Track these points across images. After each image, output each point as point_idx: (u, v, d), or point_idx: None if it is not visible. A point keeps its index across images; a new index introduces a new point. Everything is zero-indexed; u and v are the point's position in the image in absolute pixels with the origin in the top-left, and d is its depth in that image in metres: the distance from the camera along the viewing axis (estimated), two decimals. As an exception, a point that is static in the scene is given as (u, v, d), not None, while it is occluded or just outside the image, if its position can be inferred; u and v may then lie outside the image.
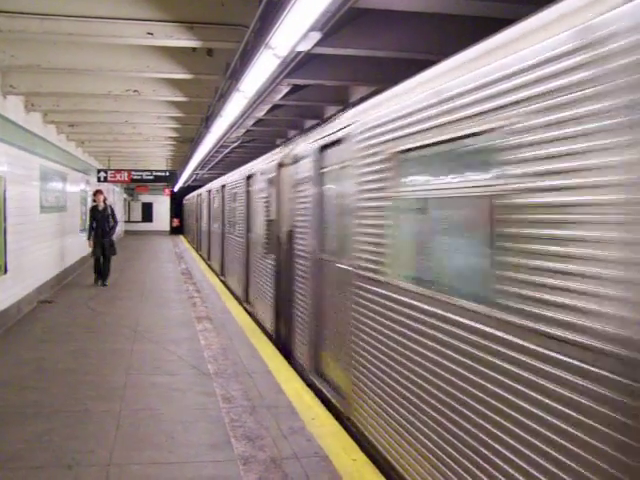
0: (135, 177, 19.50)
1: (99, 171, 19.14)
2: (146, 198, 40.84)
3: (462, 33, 5.46)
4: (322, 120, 10.58)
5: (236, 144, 15.09)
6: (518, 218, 2.62)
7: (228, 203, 13.47)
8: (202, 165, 20.71)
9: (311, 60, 6.98)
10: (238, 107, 7.98)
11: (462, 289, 3.21)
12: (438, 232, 3.65)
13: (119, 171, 19.34)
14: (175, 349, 7.44)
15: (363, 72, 7.48)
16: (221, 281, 14.27)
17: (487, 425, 2.80)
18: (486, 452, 2.81)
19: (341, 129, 5.10)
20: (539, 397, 2.44)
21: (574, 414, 2.25)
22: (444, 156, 3.42)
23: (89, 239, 13.30)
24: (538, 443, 2.44)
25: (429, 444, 3.38)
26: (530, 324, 2.51)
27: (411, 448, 3.61)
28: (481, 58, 3.00)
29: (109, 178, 19.08)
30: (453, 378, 3.13)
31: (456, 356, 3.10)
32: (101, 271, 13.24)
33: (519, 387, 2.57)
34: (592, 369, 2.17)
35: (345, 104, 9.33)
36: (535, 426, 2.46)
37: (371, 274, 4.28)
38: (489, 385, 2.80)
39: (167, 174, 20.76)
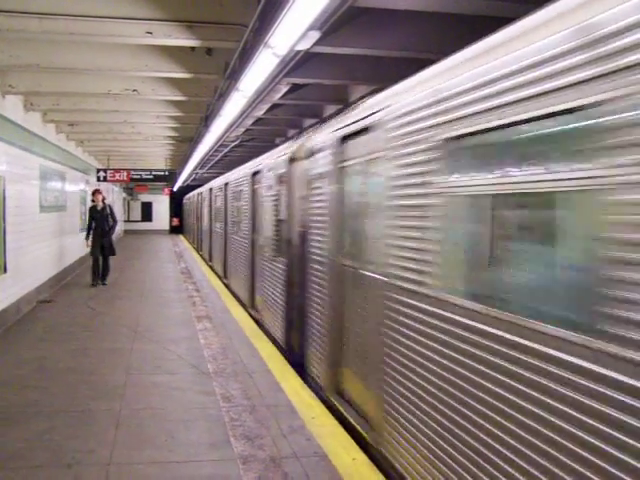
0: (134, 176, 19.48)
1: (98, 170, 19.13)
2: (145, 197, 40.78)
3: (461, 32, 5.47)
4: (321, 119, 10.58)
5: (235, 143, 15.08)
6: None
7: (231, 202, 12.72)
8: (201, 164, 20.71)
9: (310, 59, 6.98)
10: (237, 106, 7.97)
11: (542, 310, 2.61)
12: (508, 237, 2.98)
13: (118, 170, 19.32)
14: (175, 348, 7.45)
15: (362, 71, 7.48)
16: (224, 284, 13.63)
17: None
18: None
19: (369, 115, 4.42)
20: None
21: None
22: (522, 141, 2.77)
23: (87, 239, 13.25)
24: None
25: None
26: None
27: None
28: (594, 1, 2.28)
29: (108, 177, 19.06)
30: (529, 421, 2.51)
31: (532, 392, 2.49)
32: (99, 271, 13.16)
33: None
34: None
35: (344, 103, 9.33)
36: None
37: (410, 285, 3.63)
38: (590, 438, 2.19)
39: (166, 173, 20.76)
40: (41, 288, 11.19)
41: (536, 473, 2.44)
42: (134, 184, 32.92)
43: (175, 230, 39.69)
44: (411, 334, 3.63)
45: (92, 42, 7.18)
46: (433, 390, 3.34)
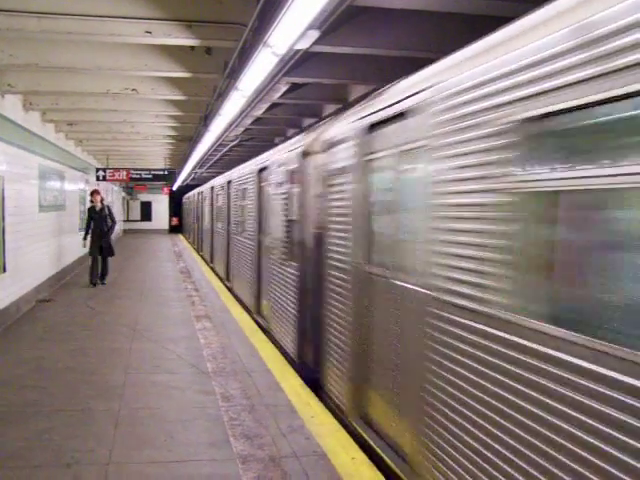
0: (134, 176, 19.45)
1: (98, 170, 19.11)
2: (145, 197, 40.77)
3: (460, 31, 5.48)
4: (320, 118, 10.58)
5: (235, 143, 15.09)
6: None
7: (235, 201, 11.98)
8: (201, 164, 20.72)
9: (309, 58, 6.98)
10: (236, 106, 7.97)
11: None
12: (613, 246, 2.34)
13: (118, 170, 19.29)
14: (174, 348, 7.44)
15: (361, 70, 7.49)
16: (227, 287, 12.95)
17: None
18: None
19: (407, 98, 3.77)
20: None
21: None
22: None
23: (84, 239, 13.19)
24: None
25: None
26: None
27: None
28: None
29: (108, 177, 19.04)
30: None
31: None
32: (98, 271, 13.07)
33: None
34: None
35: (343, 102, 9.34)
36: None
37: (465, 302, 2.99)
38: None
39: (166, 173, 20.72)
40: (40, 287, 11.18)
41: None
42: (133, 183, 32.91)
43: (174, 230, 39.68)
44: (465, 361, 2.99)
45: (91, 41, 7.17)
46: (496, 432, 2.72)
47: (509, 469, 2.60)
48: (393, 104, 4.00)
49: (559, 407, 2.32)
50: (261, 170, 8.90)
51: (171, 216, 40.97)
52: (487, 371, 2.81)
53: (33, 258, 10.53)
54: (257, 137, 14.80)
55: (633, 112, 2.10)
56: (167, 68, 7.77)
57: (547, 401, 2.38)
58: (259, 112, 10.26)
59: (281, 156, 7.49)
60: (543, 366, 2.40)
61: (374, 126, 4.39)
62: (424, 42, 6.03)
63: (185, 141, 15.54)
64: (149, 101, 10.72)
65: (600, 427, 2.12)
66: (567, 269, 2.55)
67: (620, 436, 2.04)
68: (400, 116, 3.90)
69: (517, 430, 2.56)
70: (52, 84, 9.08)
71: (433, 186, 3.37)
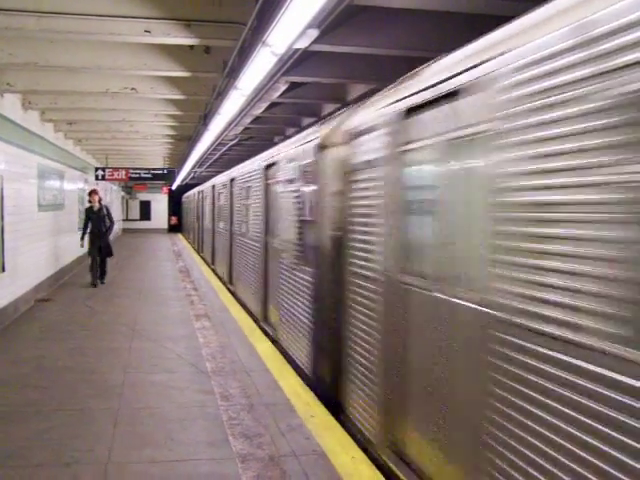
0: (133, 175, 19.45)
1: (97, 169, 19.11)
2: (144, 196, 40.77)
3: (459, 30, 5.47)
4: (319, 118, 10.57)
5: (234, 142, 15.09)
6: None
7: (238, 200, 11.32)
8: (200, 163, 20.72)
9: (308, 58, 6.99)
10: (236, 105, 7.97)
11: None
12: None
13: (117, 169, 19.29)
14: (173, 347, 7.44)
15: (360, 70, 7.50)
16: (229, 291, 12.26)
17: None
18: None
19: (459, 74, 3.13)
20: None
21: None
22: None
23: (82, 239, 13.08)
24: None
25: None
26: None
27: None
28: None
29: (107, 176, 19.04)
30: None
31: None
32: (97, 272, 12.98)
33: None
34: None
35: (342, 102, 9.34)
36: None
37: (551, 328, 2.39)
38: None
39: (165, 172, 20.73)
40: (39, 287, 11.18)
41: None
42: (133, 183, 32.91)
43: (173, 229, 39.68)
44: (550, 403, 2.38)
45: (90, 41, 7.17)
46: None
47: None
48: (439, 83, 3.35)
49: None
50: (268, 166, 8.25)
51: (170, 215, 40.96)
52: (584, 419, 2.19)
53: (32, 257, 10.52)
54: (256, 136, 14.82)
55: None
56: (166, 67, 7.78)
57: None
58: (258, 111, 10.27)
59: (292, 150, 6.79)
60: None
61: (412, 111, 3.73)
62: (423, 41, 6.03)
63: (184, 140, 15.55)
64: (148, 100, 10.72)
65: None
66: None
67: None
68: (449, 97, 3.25)
69: None
70: (51, 83, 9.08)
71: (500, 180, 2.72)
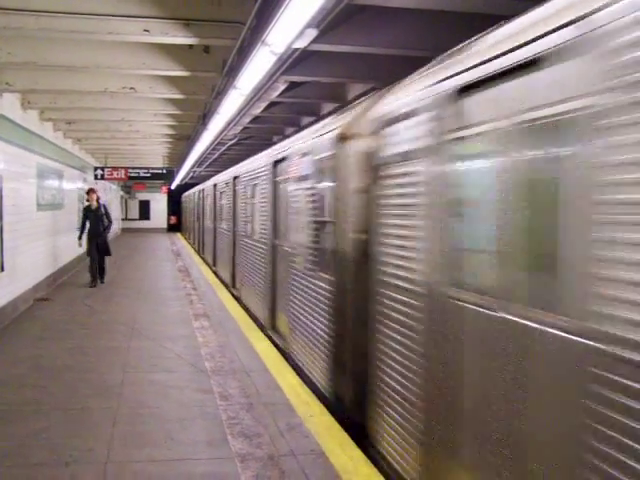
0: (132, 175, 19.44)
1: (96, 169, 19.11)
2: (143, 196, 40.77)
3: (457, 30, 5.46)
4: (319, 117, 10.58)
5: (233, 141, 15.09)
6: None
7: (243, 199, 10.63)
8: (199, 163, 20.72)
9: (308, 57, 6.98)
10: (235, 104, 7.97)
11: None
12: None
13: (116, 169, 19.29)
14: (172, 346, 7.44)
15: (359, 69, 7.49)
16: (233, 296, 11.51)
17: None
18: None
19: (541, 37, 2.48)
20: None
21: None
22: None
23: (79, 239, 13.07)
24: None
25: None
26: None
27: None
28: None
29: (106, 176, 19.04)
30: None
31: None
32: (97, 271, 12.93)
33: None
34: None
35: (342, 101, 9.34)
36: None
37: None
38: None
39: (164, 172, 20.73)
40: (38, 286, 11.18)
41: None
42: (132, 182, 32.92)
43: (173, 228, 39.67)
44: None
45: (89, 40, 7.17)
46: None
47: None
48: (507, 52, 2.70)
49: None
50: (277, 162, 7.59)
51: (169, 215, 40.95)
52: None
53: (31, 257, 10.52)
54: (256, 136, 14.81)
55: None
56: (165, 67, 7.77)
57: None
58: (257, 111, 10.27)
59: (306, 143, 6.13)
60: None
61: (467, 90, 3.07)
62: (422, 40, 6.03)
63: (183, 140, 15.55)
64: (147, 100, 10.72)
65: None
66: None
67: None
68: (523, 68, 2.61)
69: None
70: (50, 83, 9.07)
71: (607, 172, 2.11)
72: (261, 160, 8.87)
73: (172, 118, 12.52)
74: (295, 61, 6.50)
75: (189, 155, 17.14)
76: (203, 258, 19.63)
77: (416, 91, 3.69)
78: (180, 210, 37.79)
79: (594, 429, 2.12)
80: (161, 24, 6.17)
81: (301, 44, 5.26)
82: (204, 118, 10.20)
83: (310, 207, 5.84)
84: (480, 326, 2.94)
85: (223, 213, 13.93)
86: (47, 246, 12.21)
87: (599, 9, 2.15)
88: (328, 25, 5.16)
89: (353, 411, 4.77)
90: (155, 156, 22.15)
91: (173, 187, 35.21)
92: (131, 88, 9.16)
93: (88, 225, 12.94)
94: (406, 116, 3.76)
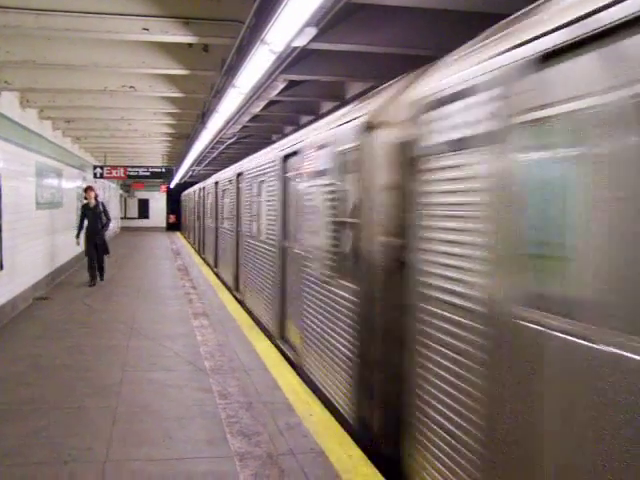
0: (131, 173, 19.45)
1: (95, 167, 19.11)
2: (142, 194, 40.75)
3: (457, 29, 5.47)
4: (317, 116, 10.57)
5: (232, 140, 15.09)
6: None
7: (247, 197, 9.98)
8: (198, 161, 20.71)
9: (307, 56, 6.98)
10: (234, 103, 7.97)
11: None
12: None
13: (115, 167, 19.29)
14: (171, 345, 7.44)
15: (359, 68, 7.49)
16: (236, 300, 10.90)
17: None
18: None
19: None
20: None
21: None
22: None
23: (77, 237, 13.00)
24: None
25: None
26: None
27: None
28: None
29: (105, 174, 19.04)
30: None
31: None
32: (96, 272, 12.88)
33: None
34: None
35: (341, 100, 9.34)
36: None
37: None
38: None
39: (163, 170, 20.74)
40: (37, 285, 11.17)
41: None
42: (131, 181, 32.93)
43: (172, 227, 39.67)
44: None
45: (88, 38, 7.16)
46: None
47: None
48: (616, 2, 2.05)
49: None
50: (288, 157, 6.97)
51: (168, 214, 40.94)
52: None
53: (30, 256, 10.52)
54: (255, 134, 14.81)
55: None
56: (164, 65, 7.76)
57: None
58: (256, 109, 10.27)
59: (324, 134, 5.51)
60: None
61: (549, 58, 2.41)
62: (421, 39, 6.03)
63: (183, 138, 15.54)
64: (147, 98, 10.71)
65: None
66: None
67: None
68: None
69: None
70: (49, 81, 9.06)
71: None
72: (269, 155, 8.22)
73: (171, 117, 12.51)
74: (294, 60, 6.50)
75: (188, 154, 17.14)
76: (204, 259, 19.08)
77: (472, 65, 3.02)
78: (179, 209, 37.76)
79: None
80: (160, 23, 6.16)
81: (300, 43, 5.26)
82: (203, 117, 10.20)
83: (328, 206, 5.20)
84: (570, 363, 2.22)
85: (225, 212, 13.38)
86: (46, 245, 12.20)
87: None
88: (327, 24, 5.15)
89: (383, 442, 4.14)
90: (154, 155, 22.14)
91: (172, 186, 35.20)
92: (130, 87, 9.15)
93: (86, 223, 12.89)
94: (458, 97, 3.11)
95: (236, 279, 11.31)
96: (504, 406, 2.64)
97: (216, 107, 8.47)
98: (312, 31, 4.87)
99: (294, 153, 6.60)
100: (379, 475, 3.94)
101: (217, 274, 14.72)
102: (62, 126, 13.60)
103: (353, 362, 4.54)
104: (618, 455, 1.97)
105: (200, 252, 20.73)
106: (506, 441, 2.63)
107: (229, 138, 14.58)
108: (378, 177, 4.23)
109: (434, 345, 3.30)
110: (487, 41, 3.08)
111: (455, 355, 3.06)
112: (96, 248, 12.80)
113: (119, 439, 4.55)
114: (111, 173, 19.09)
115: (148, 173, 19.92)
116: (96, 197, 13.23)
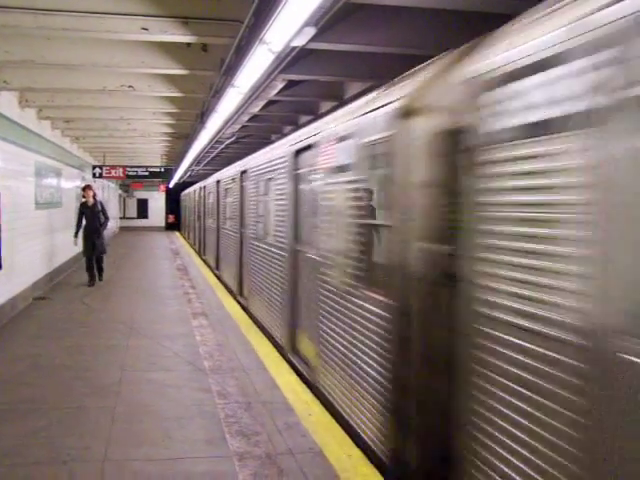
0: (130, 173, 19.46)
1: (94, 167, 19.11)
2: (141, 194, 40.74)
3: (456, 28, 5.48)
4: (317, 115, 10.57)
5: (231, 140, 15.09)
6: None
7: (252, 196, 9.34)
8: (197, 161, 20.70)
9: (306, 55, 6.98)
10: (233, 103, 7.96)
11: None
12: None
13: (114, 167, 19.29)
14: (170, 345, 7.44)
15: (358, 67, 7.48)
16: (240, 305, 10.32)
17: None
18: None
19: None
20: None
21: None
22: None
23: (75, 236, 12.89)
24: None
25: None
26: None
27: None
28: None
29: (104, 174, 19.04)
30: None
31: None
32: (94, 272, 12.81)
33: None
34: None
35: (340, 100, 9.34)
36: None
37: None
38: None
39: (162, 170, 20.74)
40: (36, 285, 11.17)
41: None
42: (130, 181, 32.92)
43: (171, 227, 39.67)
44: None
45: (87, 38, 7.16)
46: None
47: None
48: None
49: None
50: (300, 151, 6.36)
51: (167, 213, 40.93)
52: None
53: (29, 255, 10.51)
54: (254, 134, 14.81)
55: None
56: (163, 65, 7.76)
57: None
58: (255, 109, 10.27)
59: (346, 125, 4.87)
60: None
61: None
62: (420, 39, 6.02)
63: (182, 138, 15.53)
64: (146, 98, 10.71)
65: None
66: None
67: None
68: None
69: None
70: (48, 81, 9.06)
71: None
72: (277, 150, 7.64)
73: (170, 116, 12.51)
74: (293, 59, 6.49)
75: (187, 154, 17.12)
76: (204, 260, 18.34)
77: (563, 25, 2.37)
78: (179, 209, 37.73)
79: None
80: (160, 22, 6.16)
81: (299, 42, 5.25)
82: (202, 116, 10.19)
83: (351, 206, 4.58)
84: None
85: (228, 212, 12.68)
86: (45, 245, 12.20)
87: None
88: (326, 23, 5.15)
89: None
90: (153, 155, 22.13)
91: (171, 186, 35.19)
92: (129, 86, 9.15)
93: (84, 222, 12.81)
94: (539, 67, 2.50)
95: (240, 283, 10.65)
96: (611, 468, 2.04)
97: (215, 107, 8.46)
98: (311, 31, 4.86)
99: (308, 147, 5.96)
100: (378, 475, 3.94)
101: (219, 277, 14.09)
102: (61, 126, 13.60)
103: (384, 387, 3.92)
104: None
105: (201, 253, 20.08)
106: None
107: (228, 138, 14.58)
108: (417, 172, 3.55)
109: (499, 378, 2.69)
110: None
111: (537, 396, 2.44)
112: (93, 247, 12.69)
113: (118, 439, 4.55)
114: (110, 173, 19.10)
115: (147, 173, 19.92)
116: (94, 196, 13.13)
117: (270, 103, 10.18)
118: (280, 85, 8.28)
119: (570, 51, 2.29)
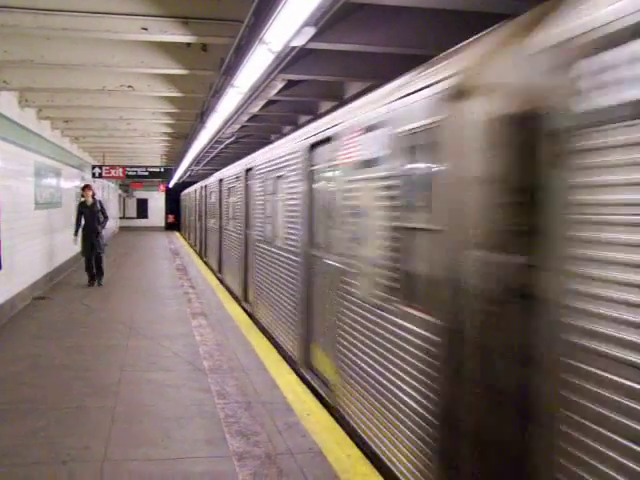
0: (130, 173, 19.46)
1: (94, 167, 19.11)
2: (141, 194, 40.72)
3: (456, 28, 5.47)
4: (316, 115, 10.57)
5: (231, 140, 15.08)
6: None
7: (258, 196, 8.73)
8: (197, 161, 20.70)
9: (305, 55, 6.98)
10: (233, 103, 7.95)
11: None
12: None
13: (114, 167, 19.29)
14: (170, 345, 7.43)
15: (357, 67, 7.48)
16: (246, 312, 9.66)
17: None
18: None
19: None
20: None
21: None
22: None
23: (75, 235, 12.83)
24: None
25: None
26: None
27: None
28: None
29: (104, 174, 19.05)
30: None
31: None
32: (94, 272, 12.72)
33: None
34: None
35: (339, 100, 9.34)
36: None
37: None
38: None
39: (162, 170, 20.73)
40: (36, 285, 11.16)
41: None
42: (129, 181, 32.90)
43: (171, 227, 39.67)
44: None
45: (87, 38, 7.15)
46: None
47: None
48: None
49: None
50: (316, 145, 5.76)
51: (167, 213, 40.92)
52: None
53: (29, 255, 10.51)
54: (254, 134, 14.81)
55: None
56: (163, 65, 7.76)
57: None
58: (255, 109, 10.26)
59: (375, 112, 4.18)
60: None
61: None
62: (420, 39, 6.02)
63: (181, 138, 15.53)
64: (145, 98, 10.70)
65: None
66: None
67: None
68: None
69: None
70: (47, 81, 9.05)
71: None
72: (289, 145, 6.95)
73: (170, 116, 12.50)
74: (293, 59, 6.49)
75: (187, 153, 17.12)
76: (206, 262, 17.52)
77: None
78: (178, 208, 37.70)
79: None
80: (159, 22, 6.16)
81: (299, 42, 5.25)
82: (202, 116, 10.18)
83: (383, 206, 3.94)
84: None
85: (231, 212, 11.98)
86: (45, 244, 12.19)
87: None
88: (326, 23, 5.15)
89: None
90: (153, 154, 22.12)
91: (171, 186, 35.17)
92: (129, 86, 9.14)
93: (83, 221, 12.73)
94: None
95: (245, 289, 9.98)
96: None
97: (215, 107, 8.46)
98: (311, 31, 4.86)
99: (326, 140, 5.32)
100: (377, 475, 3.94)
101: (221, 280, 13.43)
102: (61, 126, 13.59)
103: (427, 421, 3.29)
104: None
105: (202, 255, 19.16)
106: None
107: (228, 138, 14.57)
108: (475, 165, 2.89)
109: (604, 432, 2.07)
110: None
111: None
112: (92, 247, 12.60)
113: (117, 439, 4.55)
114: (110, 173, 19.10)
115: (147, 173, 19.92)
116: (93, 195, 13.06)
117: (270, 103, 10.18)
118: (280, 85, 8.27)
119: None
